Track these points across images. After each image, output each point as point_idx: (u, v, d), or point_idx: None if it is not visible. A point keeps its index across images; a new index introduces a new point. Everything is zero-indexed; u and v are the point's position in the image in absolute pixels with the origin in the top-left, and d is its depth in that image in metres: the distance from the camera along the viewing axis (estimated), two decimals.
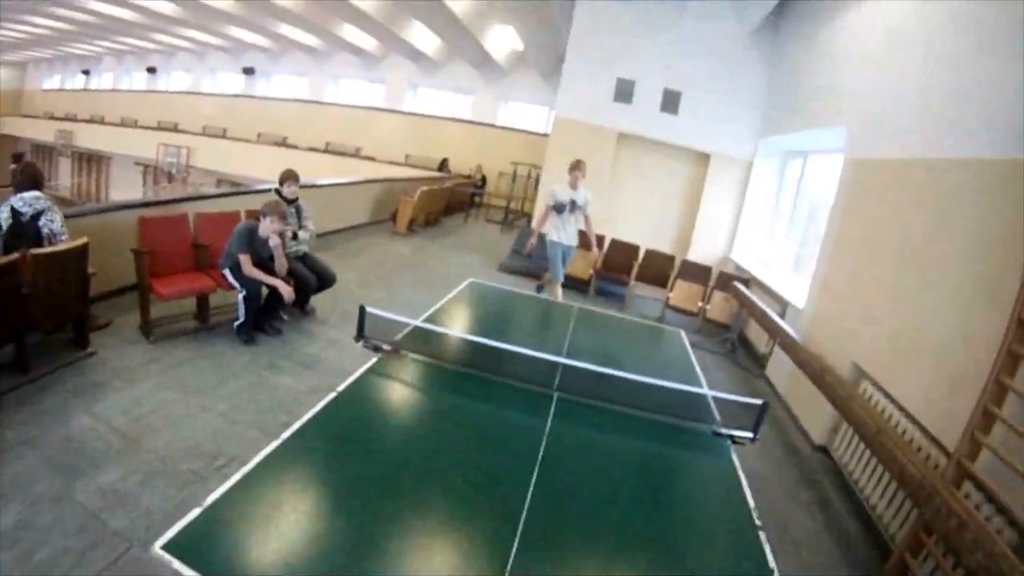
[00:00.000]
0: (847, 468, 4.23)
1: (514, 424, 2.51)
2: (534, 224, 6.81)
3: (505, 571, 1.61)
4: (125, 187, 20.91)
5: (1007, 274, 2.97)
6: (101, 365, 3.87)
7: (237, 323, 4.65)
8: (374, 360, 2.70)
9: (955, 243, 3.56)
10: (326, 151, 19.25)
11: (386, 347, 2.82)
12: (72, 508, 2.63)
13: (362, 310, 2.86)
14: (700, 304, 7.72)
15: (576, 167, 6.28)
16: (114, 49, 26.08)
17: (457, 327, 3.52)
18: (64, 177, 23.11)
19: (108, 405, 3.46)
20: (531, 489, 2.00)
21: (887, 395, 3.94)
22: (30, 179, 3.79)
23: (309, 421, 2.12)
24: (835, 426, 4.62)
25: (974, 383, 2.97)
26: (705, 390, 2.93)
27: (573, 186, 6.35)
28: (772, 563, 1.85)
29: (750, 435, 2.66)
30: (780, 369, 5.92)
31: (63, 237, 3.77)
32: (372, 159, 18.01)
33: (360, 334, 2.85)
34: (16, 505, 2.57)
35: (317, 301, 5.62)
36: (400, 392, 2.63)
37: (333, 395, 2.32)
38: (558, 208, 6.40)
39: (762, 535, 1.99)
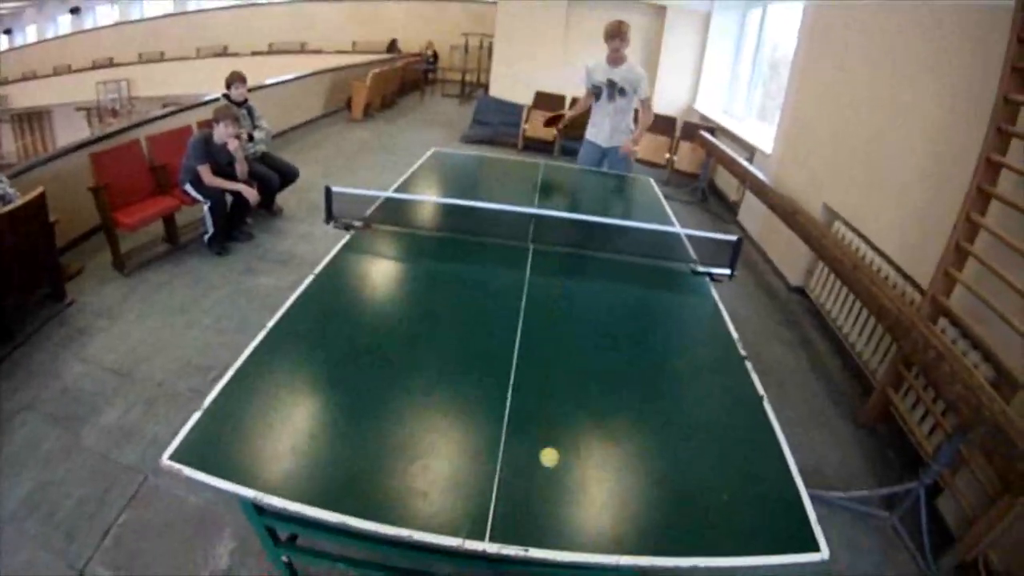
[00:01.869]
0: (825, 308, 4.30)
1: (493, 280, 2.48)
2: (569, 110, 5.19)
3: (502, 424, 1.61)
4: (72, 135, 19.68)
5: (975, 115, 2.87)
6: (82, 311, 3.74)
7: (207, 236, 4.53)
8: (347, 238, 2.63)
9: (924, 84, 3.44)
10: (271, 52, 18.21)
11: (357, 224, 2.74)
12: (82, 456, 2.59)
13: (328, 191, 2.75)
14: (667, 155, 7.62)
15: (615, 33, 4.32)
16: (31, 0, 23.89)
17: (426, 195, 3.43)
18: (8, 143, 21.81)
19: (96, 347, 3.37)
20: (517, 340, 1.98)
21: (860, 235, 3.94)
22: None
23: (291, 307, 2.07)
24: (810, 267, 4.67)
25: (944, 221, 2.95)
26: (679, 228, 2.89)
27: (613, 62, 4.48)
28: (760, 389, 1.87)
29: (727, 271, 2.65)
30: (752, 214, 5.93)
31: (15, 196, 3.52)
32: (319, 52, 17.17)
33: (329, 215, 2.76)
34: (29, 471, 2.51)
35: (283, 199, 5.46)
36: (376, 264, 2.58)
37: (311, 278, 2.25)
38: (595, 92, 4.66)
39: (748, 364, 2.00)
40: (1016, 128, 2.60)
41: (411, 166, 3.96)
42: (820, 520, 1.42)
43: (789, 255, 4.90)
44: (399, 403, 1.66)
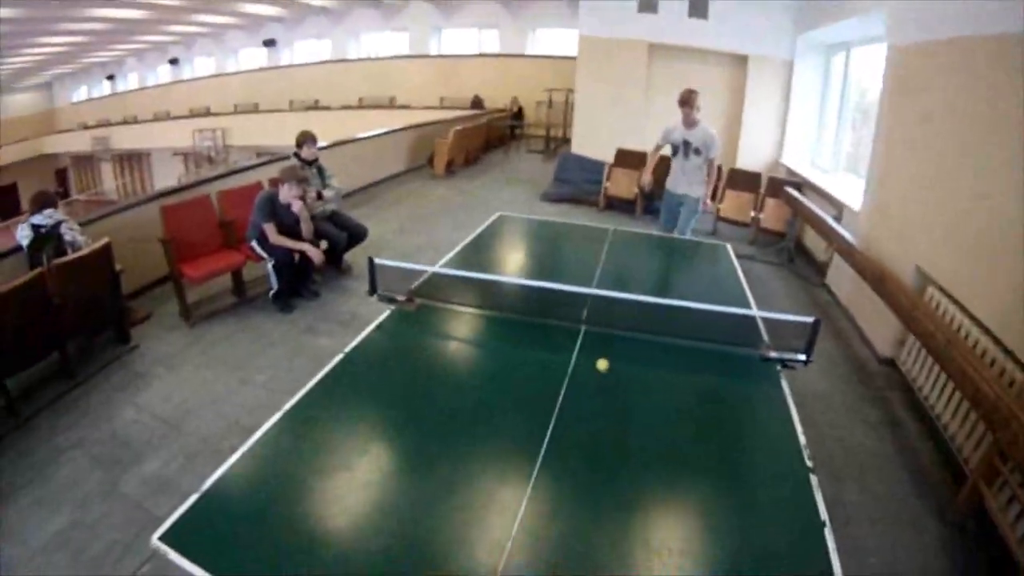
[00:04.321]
0: (916, 384, 3.91)
1: (533, 362, 2.36)
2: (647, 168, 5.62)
3: (518, 512, 1.54)
4: (168, 177, 21.31)
5: None
6: (143, 356, 3.92)
7: (272, 292, 4.64)
8: (385, 314, 2.59)
9: (1021, 129, 3.10)
10: (360, 107, 19.00)
11: (399, 298, 2.70)
12: (119, 502, 2.69)
13: (371, 263, 2.74)
14: (752, 213, 7.25)
15: (686, 100, 4.94)
16: (133, 49, 26.13)
17: (477, 267, 3.32)
18: (108, 181, 23.68)
19: (151, 394, 3.51)
20: (548, 434, 1.87)
21: (955, 302, 3.57)
22: (42, 201, 3.80)
23: (313, 387, 2.06)
24: (901, 337, 4.28)
25: None
26: (752, 310, 2.69)
27: (687, 123, 5.07)
28: (824, 514, 1.63)
29: (802, 357, 2.43)
30: (841, 276, 5.53)
31: (83, 244, 3.77)
32: (407, 107, 17.68)
33: (373, 288, 2.74)
34: (66, 507, 2.63)
35: (352, 256, 5.53)
36: (411, 342, 2.51)
37: (340, 357, 2.23)
38: (673, 151, 5.26)
39: (813, 479, 1.76)
40: None
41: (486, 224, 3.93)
42: None
43: (879, 323, 4.50)
44: (420, 489, 1.63)
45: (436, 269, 2.94)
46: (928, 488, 3.22)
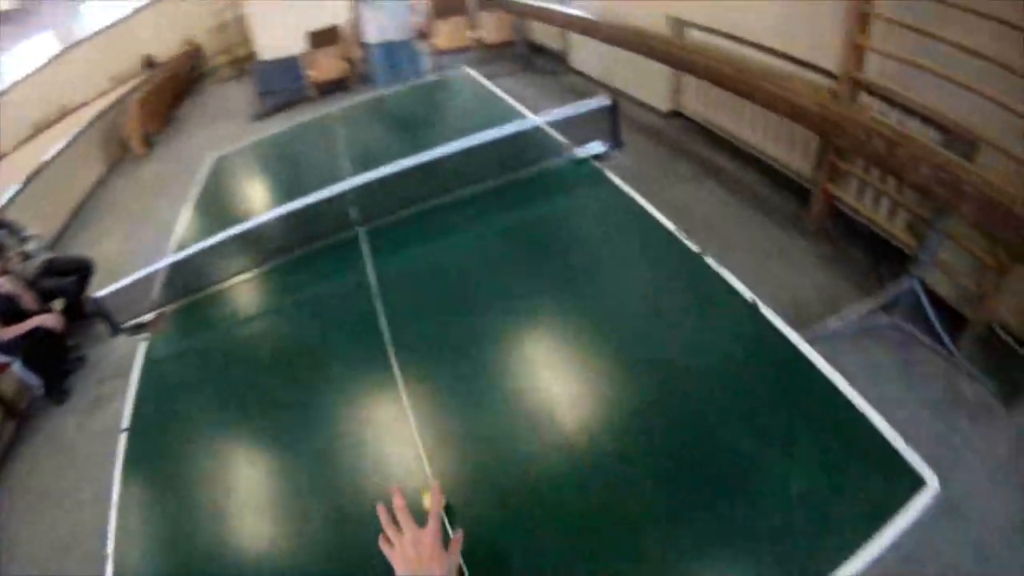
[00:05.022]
0: (715, 124, 3.86)
1: (332, 294, 1.83)
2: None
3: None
4: None
5: None
6: None
7: (39, 392, 3.64)
8: (143, 346, 1.87)
9: None
10: (38, 132, 15.72)
11: (144, 320, 1.97)
12: None
13: (96, 304, 1.98)
14: (468, 34, 6.83)
15: None
16: None
17: (212, 230, 2.59)
18: None
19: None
20: (392, 351, 1.49)
21: (722, 33, 3.43)
22: None
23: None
24: (677, 87, 4.20)
25: None
26: (534, 118, 2.20)
27: None
28: (695, 248, 1.54)
29: (609, 145, 2.08)
30: (588, 56, 5.47)
31: None
32: (84, 104, 15.09)
33: (114, 328, 1.97)
34: None
35: (92, 292, 4.41)
36: (198, 353, 1.84)
37: (123, 435, 1.57)
38: None
39: (710, 261, 1.52)
40: None
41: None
42: (830, 359, 1.18)
43: (648, 82, 4.39)
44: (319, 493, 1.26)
45: (172, 259, 2.10)
46: (776, 212, 3.20)
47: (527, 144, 2.12)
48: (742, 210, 3.28)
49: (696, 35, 3.66)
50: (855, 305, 2.49)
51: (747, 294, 1.39)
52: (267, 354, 1.68)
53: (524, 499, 1.10)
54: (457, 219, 1.94)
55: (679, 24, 3.82)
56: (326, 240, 1.99)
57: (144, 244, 5.24)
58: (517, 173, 2.05)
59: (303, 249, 1.99)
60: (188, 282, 2.03)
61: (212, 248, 1.97)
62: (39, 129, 14.26)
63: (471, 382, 1.38)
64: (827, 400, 1.12)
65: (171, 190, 6.30)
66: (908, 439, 1.02)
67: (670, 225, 1.65)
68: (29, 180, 5.96)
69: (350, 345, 1.59)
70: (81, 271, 4.31)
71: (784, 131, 3.18)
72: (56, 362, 3.77)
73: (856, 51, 2.56)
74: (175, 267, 2.06)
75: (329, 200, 1.94)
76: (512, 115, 2.55)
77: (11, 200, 4.30)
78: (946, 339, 2.36)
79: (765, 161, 3.44)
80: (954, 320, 2.42)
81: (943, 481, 0.95)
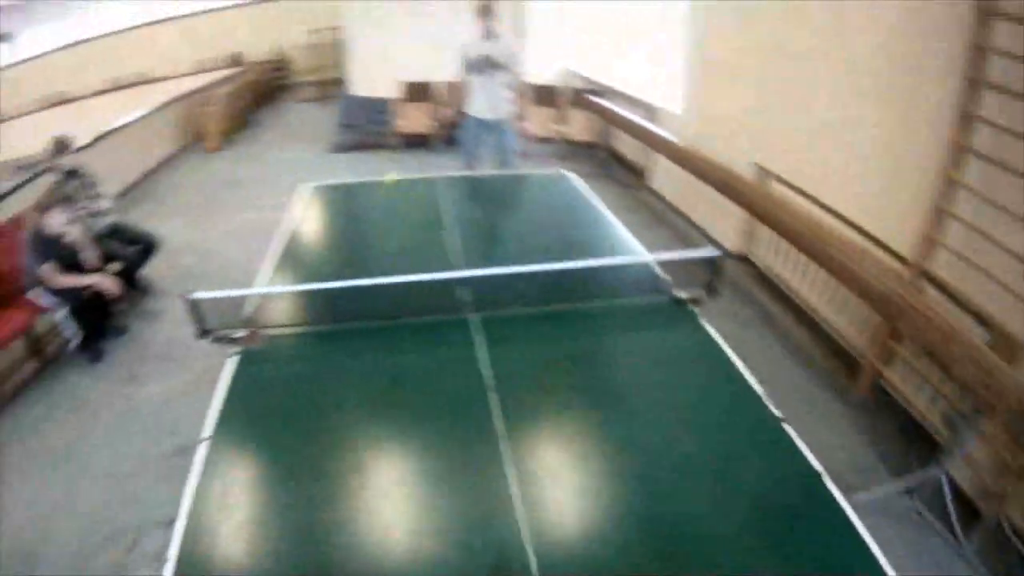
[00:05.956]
0: (778, 275, 4.04)
1: (443, 367, 2.01)
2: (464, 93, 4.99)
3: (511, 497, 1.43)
4: None
5: (940, 69, 2.61)
6: None
7: (74, 344, 3.75)
8: (234, 361, 1.99)
9: (880, 32, 3.11)
10: (116, 88, 16.31)
11: (239, 334, 2.11)
12: None
13: (192, 304, 2.11)
14: (554, 127, 7.11)
15: (488, 10, 4.46)
16: None
17: (314, 264, 2.80)
18: None
19: None
20: (499, 426, 1.65)
21: (806, 195, 3.65)
22: None
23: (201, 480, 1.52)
24: (749, 230, 4.39)
25: (914, 180, 2.76)
26: (646, 254, 2.48)
27: (487, 35, 4.57)
28: (777, 412, 1.69)
29: (705, 293, 2.30)
30: (667, 179, 5.61)
31: None
32: (164, 79, 15.55)
33: (202, 331, 2.13)
34: None
35: (149, 270, 4.58)
36: (287, 385, 1.97)
37: (206, 442, 1.64)
38: (472, 68, 4.69)
39: (788, 429, 1.68)
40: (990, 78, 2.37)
41: (284, 193, 3.37)
42: None
43: (722, 220, 4.59)
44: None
45: (270, 290, 2.36)
46: (822, 375, 3.38)
47: (633, 272, 2.38)
48: (791, 364, 3.47)
49: (780, 188, 3.86)
50: (884, 485, 2.64)
51: (816, 465, 1.55)
52: (369, 404, 1.85)
53: None
54: (565, 327, 2.16)
55: (765, 173, 4.04)
56: (441, 315, 2.18)
57: (207, 239, 5.51)
58: (620, 299, 2.29)
59: (415, 319, 2.17)
60: (287, 313, 2.25)
61: (317, 291, 2.20)
62: (117, 86, 14.78)
63: (578, 472, 1.57)
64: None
65: (240, 194, 6.73)
66: None
67: (756, 386, 1.84)
68: (98, 139, 6.18)
69: (455, 417, 1.75)
70: (146, 245, 4.49)
71: (846, 300, 3.34)
72: (99, 322, 3.90)
73: (929, 243, 2.71)
74: (277, 294, 2.31)
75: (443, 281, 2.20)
76: (613, 232, 2.85)
77: (88, 145, 4.47)
78: (958, 530, 2.48)
79: (820, 323, 3.64)
80: (967, 509, 2.55)
81: None
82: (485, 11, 4.45)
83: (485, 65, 4.60)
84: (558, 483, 1.54)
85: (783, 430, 1.66)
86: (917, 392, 2.93)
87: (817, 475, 1.52)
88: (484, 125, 4.80)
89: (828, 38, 3.46)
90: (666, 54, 6.15)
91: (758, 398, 1.79)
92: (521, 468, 1.53)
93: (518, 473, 1.51)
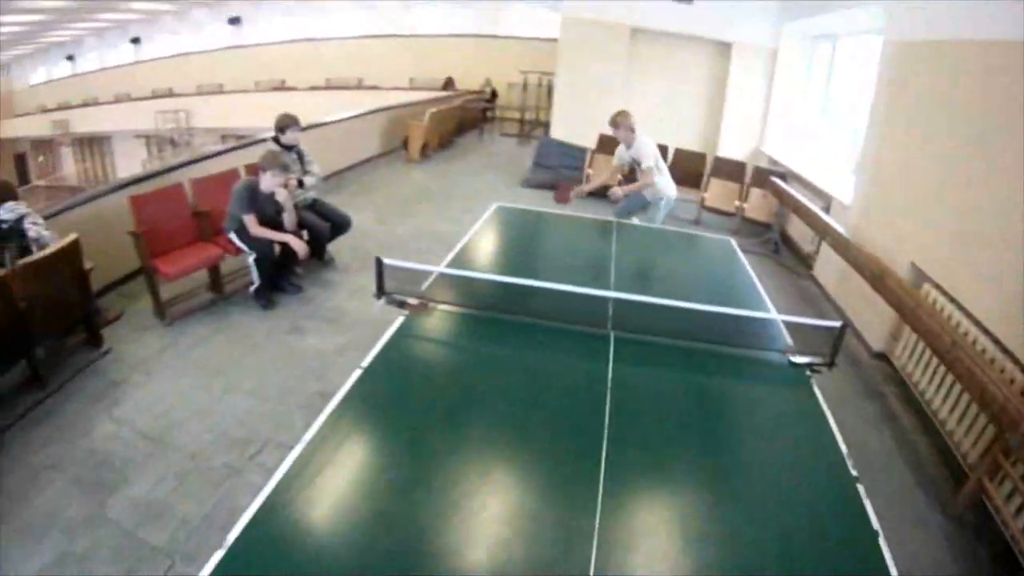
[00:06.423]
0: (912, 378, 3.95)
1: (573, 371, 2.29)
2: (598, 176, 5.98)
3: (594, 526, 1.52)
4: (131, 161, 20.39)
5: None
6: (117, 362, 3.63)
7: (253, 288, 4.40)
8: (400, 320, 2.42)
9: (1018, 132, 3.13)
10: (328, 88, 18.24)
11: (412, 301, 2.53)
12: (107, 529, 2.45)
13: (379, 263, 2.55)
14: (736, 203, 7.31)
15: (616, 124, 5.14)
16: (93, 28, 24.79)
17: (488, 265, 3.21)
18: (68, 165, 22.52)
19: (129, 406, 3.24)
20: (604, 444, 1.83)
21: (954, 301, 3.60)
22: (2, 193, 3.48)
23: (336, 410, 1.86)
24: (895, 331, 4.32)
25: None
26: (774, 314, 2.70)
27: (626, 143, 5.32)
28: (875, 523, 1.65)
29: (826, 362, 2.44)
30: (828, 269, 5.60)
31: (50, 240, 3.47)
32: (376, 88, 17.14)
33: (380, 290, 2.57)
34: (51, 539, 2.39)
35: (335, 247, 5.30)
36: (437, 352, 2.40)
37: (359, 372, 2.05)
38: (630, 169, 5.53)
39: (861, 488, 1.78)
40: None
41: (469, 214, 3.80)
42: None
43: (872, 317, 4.55)
44: (483, 510, 1.55)
45: (448, 270, 2.81)
46: (928, 483, 3.29)
47: (760, 329, 2.59)
48: (901, 466, 3.41)
49: (932, 293, 3.80)
50: None
51: (873, 522, 1.64)
52: (500, 388, 2.14)
53: None
54: (689, 362, 2.40)
55: (919, 275, 4.01)
56: (582, 326, 2.49)
57: (391, 234, 6.18)
58: (743, 349, 2.49)
59: (560, 323, 2.49)
60: (454, 295, 2.64)
61: (485, 281, 2.63)
62: (330, 85, 16.74)
63: (663, 521, 1.69)
64: None
65: (429, 205, 7.44)
66: None
67: (862, 489, 1.81)
68: (315, 126, 7.13)
69: (575, 414, 1.99)
70: (339, 224, 5.15)
71: (967, 408, 3.28)
72: (278, 277, 4.54)
73: None
74: (445, 276, 2.73)
75: (598, 297, 2.54)
76: (755, 297, 3.05)
77: (307, 128, 5.12)
78: None
79: (939, 429, 3.54)
80: None
81: None
82: (615, 125, 5.13)
83: (631, 165, 5.35)
84: (641, 526, 1.64)
85: (875, 541, 1.62)
86: (1017, 517, 2.78)
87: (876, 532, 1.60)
88: (642, 201, 5.47)
89: (984, 162, 3.48)
90: (847, 145, 6.25)
91: (857, 496, 1.78)
92: (610, 501, 1.61)
93: (605, 506, 1.59)
